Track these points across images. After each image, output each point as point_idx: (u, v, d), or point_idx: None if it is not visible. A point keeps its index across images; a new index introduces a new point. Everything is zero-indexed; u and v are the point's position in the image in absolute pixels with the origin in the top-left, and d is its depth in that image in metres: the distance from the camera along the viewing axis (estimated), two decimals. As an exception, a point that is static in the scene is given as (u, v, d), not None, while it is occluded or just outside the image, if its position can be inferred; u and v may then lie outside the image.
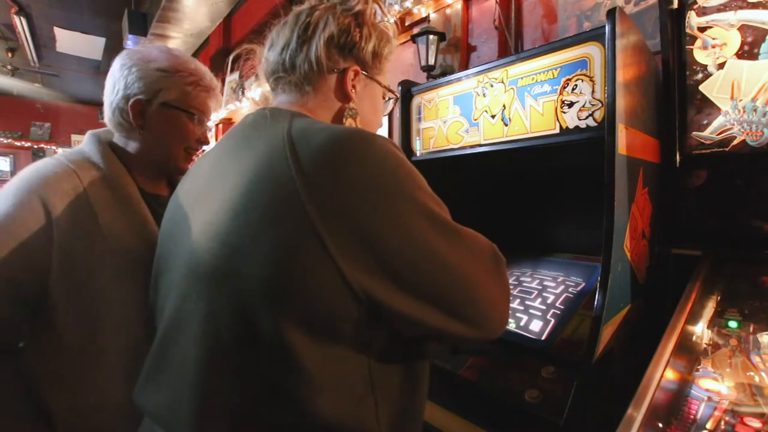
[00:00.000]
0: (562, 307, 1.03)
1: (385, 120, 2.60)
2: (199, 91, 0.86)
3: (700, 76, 1.02)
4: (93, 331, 0.75)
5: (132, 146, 0.86)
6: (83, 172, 0.77)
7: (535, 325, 0.99)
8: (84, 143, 0.85)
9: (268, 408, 0.49)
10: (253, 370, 0.50)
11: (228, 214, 0.51)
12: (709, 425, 0.57)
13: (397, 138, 1.44)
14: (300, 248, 0.46)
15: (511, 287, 1.18)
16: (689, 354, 0.72)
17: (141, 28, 4.41)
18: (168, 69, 0.83)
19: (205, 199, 0.57)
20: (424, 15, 2.23)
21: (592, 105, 0.91)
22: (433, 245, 0.50)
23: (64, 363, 0.75)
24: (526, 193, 1.48)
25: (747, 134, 0.95)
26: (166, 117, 0.84)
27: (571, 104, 0.94)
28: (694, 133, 1.03)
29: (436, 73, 2.10)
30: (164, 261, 0.64)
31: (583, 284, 1.11)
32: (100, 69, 7.36)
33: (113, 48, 6.28)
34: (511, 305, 1.09)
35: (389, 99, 0.76)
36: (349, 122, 0.66)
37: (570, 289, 1.10)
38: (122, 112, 0.82)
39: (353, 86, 0.66)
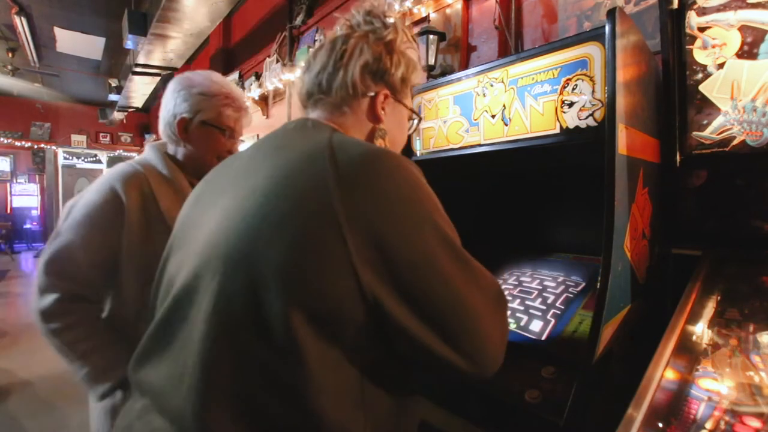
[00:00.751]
0: (562, 307, 1.03)
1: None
2: (232, 111, 1.06)
3: (700, 76, 1.02)
4: (143, 292, 0.91)
5: (179, 153, 1.07)
6: (148, 171, 1.02)
7: (535, 325, 0.99)
8: (146, 153, 1.08)
9: (266, 395, 0.50)
10: (257, 355, 0.51)
11: (259, 199, 0.54)
12: (708, 425, 0.57)
13: (397, 138, 1.43)
14: (321, 241, 0.49)
15: (511, 287, 1.18)
16: (689, 354, 0.72)
17: (141, 28, 4.41)
18: (207, 93, 1.03)
19: (235, 186, 0.60)
20: (424, 15, 2.23)
21: (593, 105, 0.91)
22: (444, 268, 0.53)
23: (126, 313, 0.98)
24: (527, 193, 1.48)
25: (747, 134, 0.95)
26: (204, 132, 1.04)
27: (571, 104, 0.94)
28: (694, 133, 1.03)
29: (436, 73, 2.10)
30: (179, 240, 0.66)
31: (583, 284, 1.11)
32: (100, 69, 7.36)
33: (113, 48, 6.28)
34: (511, 305, 1.09)
35: (414, 119, 0.82)
36: (379, 142, 0.73)
37: (570, 289, 1.10)
38: (171, 127, 1.03)
39: (383, 108, 0.71)
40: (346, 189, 0.50)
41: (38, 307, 0.92)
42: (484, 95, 1.13)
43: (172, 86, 1.05)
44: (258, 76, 3.94)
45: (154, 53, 4.92)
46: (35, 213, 9.45)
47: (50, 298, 0.92)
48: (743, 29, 0.95)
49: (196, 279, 0.56)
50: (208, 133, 1.04)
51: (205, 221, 0.60)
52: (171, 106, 1.03)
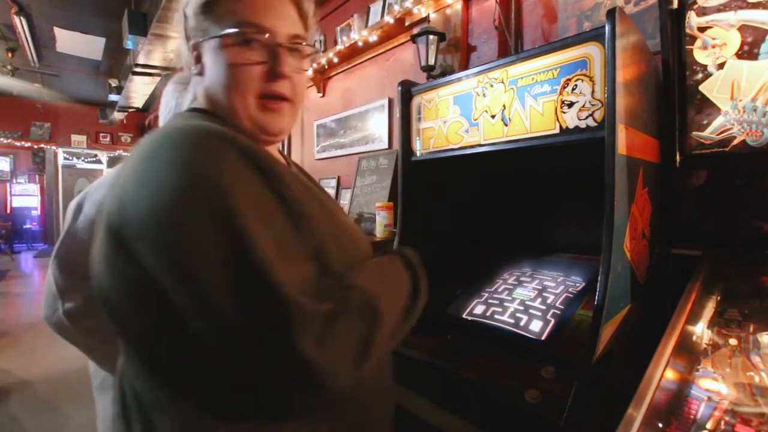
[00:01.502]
0: (562, 307, 1.03)
1: (385, 120, 2.59)
2: None
3: (700, 76, 1.02)
4: None
5: None
6: None
7: (535, 325, 0.99)
8: None
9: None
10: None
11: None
12: (709, 425, 0.57)
13: (397, 138, 1.44)
14: (111, 264, 0.49)
15: (511, 287, 1.18)
16: (689, 354, 0.72)
17: (141, 27, 4.41)
18: None
19: None
20: (424, 15, 2.22)
21: (592, 105, 0.91)
22: (207, 285, 0.43)
23: None
24: (527, 193, 1.48)
25: (747, 134, 0.95)
26: None
27: (571, 104, 0.94)
28: (694, 133, 1.03)
29: (436, 73, 2.10)
30: None
31: (583, 284, 1.11)
32: (100, 69, 7.35)
33: (113, 48, 6.27)
34: (511, 305, 1.09)
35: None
36: (207, 96, 0.59)
37: (570, 289, 1.09)
38: None
39: (197, 57, 0.58)
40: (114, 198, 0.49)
41: (63, 311, 0.89)
42: (484, 95, 1.13)
43: (170, 87, 1.08)
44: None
45: (154, 53, 4.92)
46: (35, 213, 9.45)
47: (76, 299, 0.91)
48: (743, 29, 0.95)
49: None
50: None
51: None
52: (172, 105, 1.06)
